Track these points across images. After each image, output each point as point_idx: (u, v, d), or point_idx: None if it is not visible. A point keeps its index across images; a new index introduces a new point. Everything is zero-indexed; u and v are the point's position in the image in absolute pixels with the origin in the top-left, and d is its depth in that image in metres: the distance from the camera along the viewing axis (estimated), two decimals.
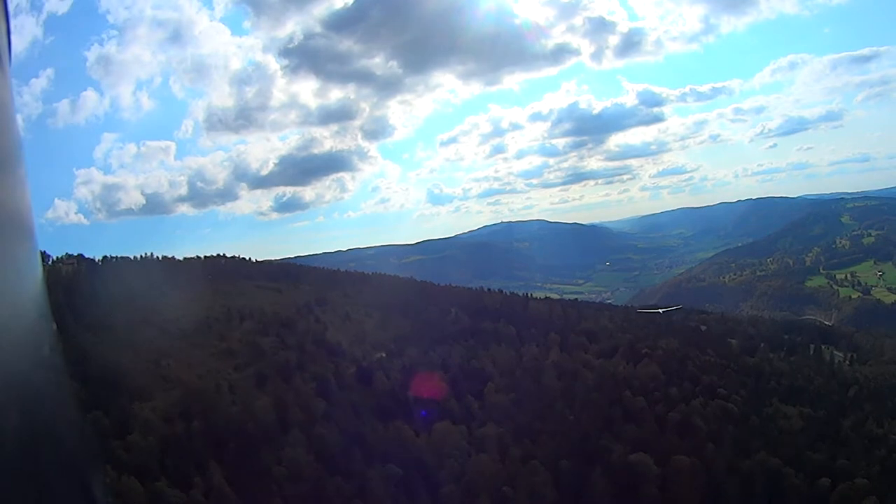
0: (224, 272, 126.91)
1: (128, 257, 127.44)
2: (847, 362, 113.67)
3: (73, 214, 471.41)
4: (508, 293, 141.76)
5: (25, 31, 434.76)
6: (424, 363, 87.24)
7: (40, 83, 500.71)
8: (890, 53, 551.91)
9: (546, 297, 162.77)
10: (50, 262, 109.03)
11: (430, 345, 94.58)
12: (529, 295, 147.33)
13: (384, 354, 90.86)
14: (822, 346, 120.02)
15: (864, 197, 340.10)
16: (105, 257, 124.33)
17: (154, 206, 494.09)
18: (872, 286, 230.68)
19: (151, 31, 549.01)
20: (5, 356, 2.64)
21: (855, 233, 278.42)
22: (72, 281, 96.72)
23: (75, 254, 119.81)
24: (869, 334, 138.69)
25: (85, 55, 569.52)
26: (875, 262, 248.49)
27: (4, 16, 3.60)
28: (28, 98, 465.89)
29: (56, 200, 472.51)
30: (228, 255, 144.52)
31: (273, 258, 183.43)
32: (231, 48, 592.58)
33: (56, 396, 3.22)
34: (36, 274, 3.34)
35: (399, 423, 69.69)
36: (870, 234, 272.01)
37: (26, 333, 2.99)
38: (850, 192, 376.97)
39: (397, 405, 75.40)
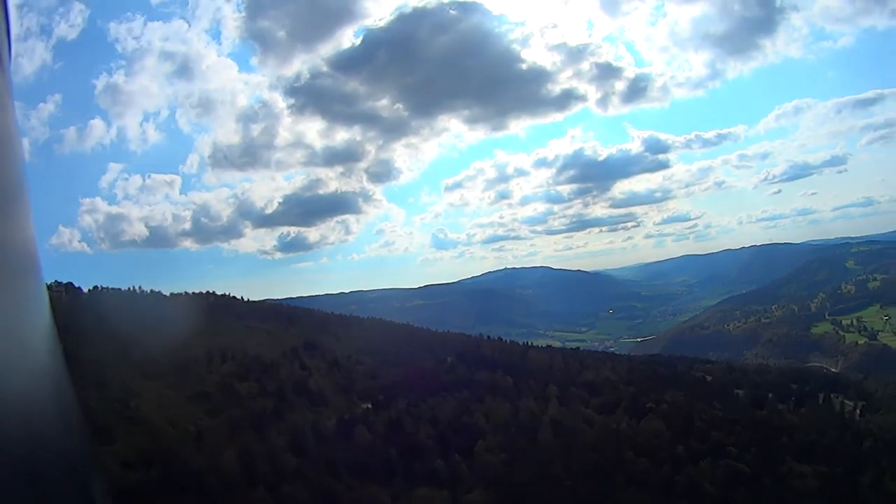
0: (213, 310, 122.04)
1: (118, 289, 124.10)
2: (858, 412, 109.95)
3: (77, 242, 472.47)
4: (508, 341, 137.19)
5: (35, 56, 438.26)
6: (412, 416, 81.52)
7: (48, 108, 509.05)
8: (894, 95, 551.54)
9: (547, 346, 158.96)
10: None
11: (421, 396, 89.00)
12: (530, 343, 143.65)
13: (370, 405, 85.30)
14: (832, 395, 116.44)
15: (869, 241, 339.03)
16: (95, 287, 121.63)
17: (157, 239, 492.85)
18: (879, 331, 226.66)
19: (159, 63, 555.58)
20: (13, 390, 2.98)
21: (860, 277, 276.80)
22: (52, 309, 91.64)
23: (65, 282, 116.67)
24: (878, 381, 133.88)
25: (93, 83, 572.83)
26: (881, 307, 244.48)
27: (4, 16, 4.14)
28: (35, 122, 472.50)
29: (60, 227, 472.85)
30: (219, 292, 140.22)
31: (275, 298, 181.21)
32: (238, 84, 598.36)
33: (56, 399, 3.68)
34: (43, 308, 3.94)
35: (374, 488, 63.88)
36: (875, 279, 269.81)
37: (33, 368, 3.38)
38: (854, 236, 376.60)
39: (378, 463, 69.34)
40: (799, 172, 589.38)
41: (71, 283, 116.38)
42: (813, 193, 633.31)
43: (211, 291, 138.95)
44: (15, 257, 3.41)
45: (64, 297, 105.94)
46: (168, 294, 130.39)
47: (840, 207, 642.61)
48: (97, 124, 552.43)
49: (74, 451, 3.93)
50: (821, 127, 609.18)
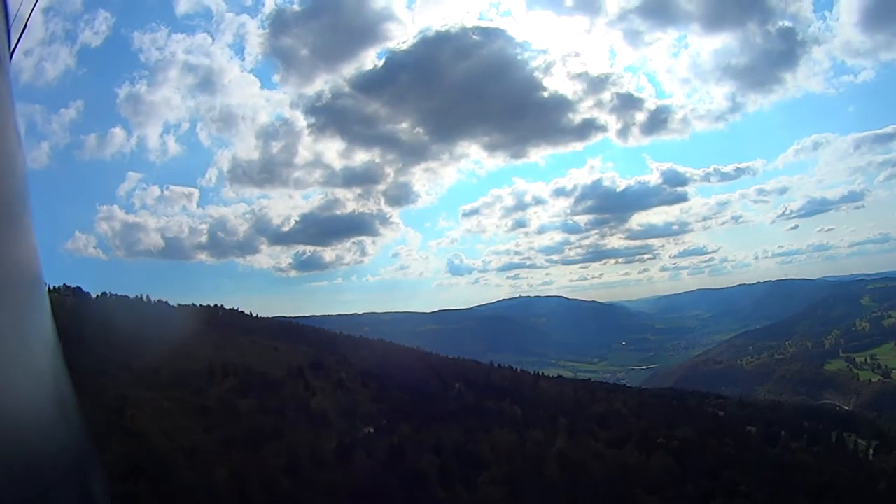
0: (219, 324, 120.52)
1: (126, 296, 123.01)
2: (871, 451, 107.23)
3: (92, 248, 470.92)
4: (519, 370, 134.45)
5: (59, 61, 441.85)
6: (415, 443, 78.84)
7: (69, 114, 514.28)
8: None
9: (559, 375, 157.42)
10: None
11: (427, 422, 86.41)
12: (541, 372, 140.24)
13: (372, 430, 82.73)
14: (845, 434, 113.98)
15: (885, 278, 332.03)
16: (103, 293, 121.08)
17: (173, 250, 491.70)
18: (893, 369, 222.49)
19: (182, 76, 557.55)
20: (15, 397, 3.11)
21: (875, 314, 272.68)
22: (56, 313, 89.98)
23: (73, 286, 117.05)
24: (892, 419, 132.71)
25: (115, 91, 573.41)
26: (895, 345, 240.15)
27: (4, 16, 4.43)
28: (56, 127, 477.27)
29: (76, 232, 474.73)
30: (228, 306, 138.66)
31: (288, 316, 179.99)
32: (259, 101, 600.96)
33: (57, 399, 3.99)
34: (46, 317, 4.51)
35: None
36: (890, 316, 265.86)
37: (36, 378, 3.59)
38: (870, 273, 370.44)
39: (376, 490, 66.66)
40: (816, 208, 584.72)
41: (79, 288, 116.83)
42: (830, 229, 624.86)
43: (219, 305, 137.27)
44: (17, 266, 3.52)
45: (69, 301, 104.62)
46: (175, 305, 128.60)
47: (856, 244, 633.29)
48: (118, 132, 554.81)
49: (76, 456, 4.11)
50: (839, 162, 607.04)
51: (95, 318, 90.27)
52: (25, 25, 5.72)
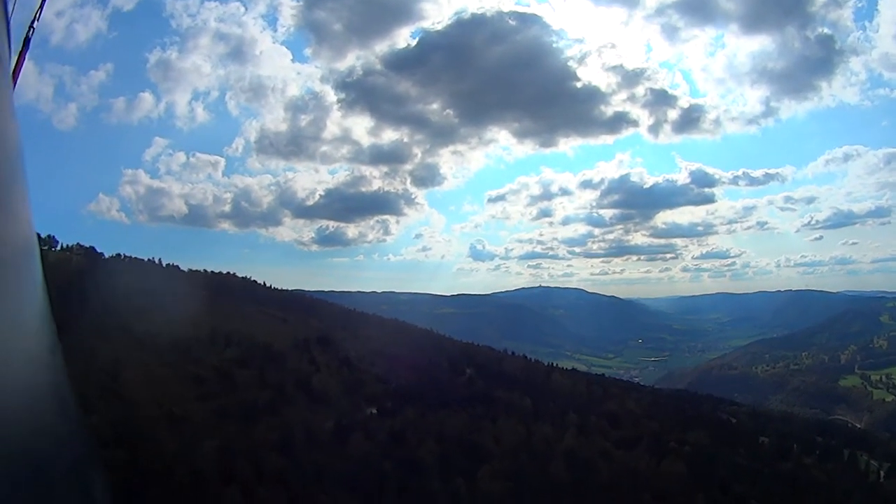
0: (229, 292, 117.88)
1: (139, 259, 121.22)
2: (882, 473, 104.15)
3: (115, 211, 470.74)
4: (533, 360, 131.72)
5: (91, 23, 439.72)
6: (417, 428, 75.77)
7: (99, 76, 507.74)
8: None
9: (573, 369, 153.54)
10: (57, 249, 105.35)
11: (432, 407, 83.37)
12: (555, 364, 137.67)
13: (374, 411, 79.83)
14: (857, 453, 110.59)
15: None
16: (117, 255, 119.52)
17: (196, 217, 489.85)
18: None
19: (213, 44, 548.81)
20: (11, 382, 3.16)
21: (893, 333, 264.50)
22: (59, 272, 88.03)
23: (88, 245, 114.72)
24: None
25: (146, 56, 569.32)
26: None
27: (5, 16, 4.51)
28: (85, 89, 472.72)
29: (100, 195, 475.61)
30: (240, 274, 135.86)
31: (306, 289, 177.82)
32: (290, 73, 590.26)
33: (56, 397, 3.93)
34: (41, 300, 4.12)
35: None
36: None
37: (31, 361, 3.57)
38: (890, 290, 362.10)
39: (370, 475, 63.56)
40: (842, 220, 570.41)
41: (93, 248, 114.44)
42: (854, 243, 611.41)
43: (232, 273, 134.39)
44: (13, 249, 3.55)
45: (76, 259, 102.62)
46: (185, 270, 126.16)
47: (879, 260, 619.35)
48: (146, 97, 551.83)
49: (74, 445, 4.09)
50: (869, 176, 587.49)
51: (100, 279, 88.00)
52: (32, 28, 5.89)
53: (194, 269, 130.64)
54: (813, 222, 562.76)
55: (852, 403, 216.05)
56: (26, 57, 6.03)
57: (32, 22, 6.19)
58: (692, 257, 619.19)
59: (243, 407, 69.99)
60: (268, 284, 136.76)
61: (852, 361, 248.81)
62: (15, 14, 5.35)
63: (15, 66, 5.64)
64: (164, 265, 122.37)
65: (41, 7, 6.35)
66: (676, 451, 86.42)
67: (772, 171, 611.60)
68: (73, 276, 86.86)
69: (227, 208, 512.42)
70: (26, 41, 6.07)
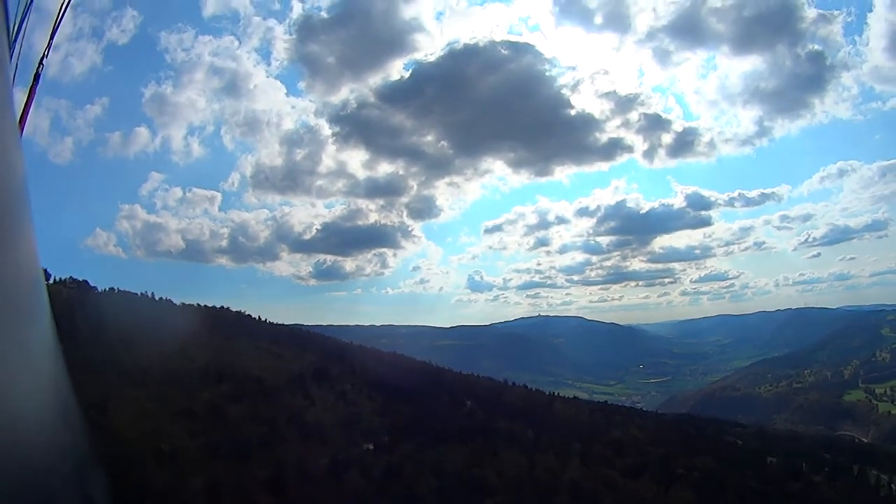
0: (223, 326, 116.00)
1: (132, 293, 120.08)
2: (895, 487, 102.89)
3: (112, 246, 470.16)
4: (534, 389, 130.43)
5: (86, 57, 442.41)
6: (416, 463, 73.45)
7: (95, 110, 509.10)
8: None
9: (574, 397, 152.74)
10: (49, 282, 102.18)
11: (431, 441, 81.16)
12: (556, 393, 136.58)
13: (371, 447, 77.52)
14: (867, 468, 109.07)
15: None
16: (110, 289, 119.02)
17: (193, 252, 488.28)
18: None
19: (208, 78, 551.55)
20: (17, 403, 3.22)
21: (895, 346, 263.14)
22: (53, 305, 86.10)
23: (81, 279, 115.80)
24: None
25: (141, 90, 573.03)
26: None
27: (4, 17, 4.52)
28: (81, 123, 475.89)
29: (97, 229, 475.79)
30: (234, 308, 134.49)
31: (305, 324, 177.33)
32: (285, 107, 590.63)
33: (64, 427, 4.23)
34: (47, 321, 4.68)
35: None
36: None
37: (38, 382, 3.69)
38: (890, 303, 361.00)
39: None
40: (839, 236, 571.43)
41: (86, 281, 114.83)
42: (851, 258, 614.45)
43: (225, 307, 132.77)
44: (17, 267, 3.63)
45: (66, 293, 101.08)
46: (178, 304, 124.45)
47: (878, 273, 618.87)
48: (142, 132, 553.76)
49: (77, 459, 4.39)
50: (864, 190, 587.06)
51: (91, 312, 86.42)
52: (24, 26, 5.75)
53: (187, 302, 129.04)
54: (810, 240, 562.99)
55: (858, 418, 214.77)
56: (36, 92, 5.97)
57: (42, 58, 6.22)
58: (690, 281, 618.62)
59: (235, 443, 67.68)
60: (263, 318, 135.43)
61: (856, 376, 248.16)
62: (22, 48, 5.31)
63: (25, 102, 5.73)
64: (156, 298, 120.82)
65: (50, 43, 6.34)
66: (684, 477, 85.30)
67: (767, 190, 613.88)
68: (64, 308, 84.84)
69: (224, 243, 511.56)
70: (36, 77, 6.07)
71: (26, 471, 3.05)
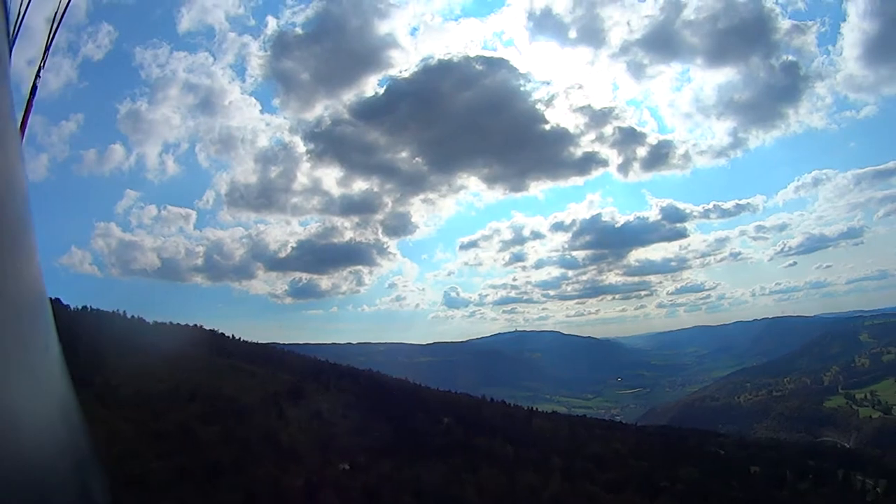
0: (196, 345, 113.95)
1: (105, 311, 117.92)
2: (878, 490, 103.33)
3: (88, 265, 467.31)
4: (512, 405, 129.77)
5: (61, 73, 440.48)
6: (394, 482, 71.77)
7: (70, 127, 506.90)
8: None
9: (553, 412, 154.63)
10: None
11: (409, 460, 79.57)
12: (535, 408, 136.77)
13: (347, 466, 75.73)
14: (851, 473, 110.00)
15: (883, 314, 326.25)
16: (84, 307, 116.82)
17: (168, 271, 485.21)
18: (893, 405, 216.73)
19: (182, 95, 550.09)
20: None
21: (874, 351, 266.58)
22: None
23: (53, 297, 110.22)
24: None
25: (116, 107, 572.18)
26: (895, 381, 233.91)
27: (5, 17, 4.46)
28: (56, 140, 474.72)
29: (73, 248, 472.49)
30: (207, 327, 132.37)
31: (281, 343, 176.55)
32: (259, 124, 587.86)
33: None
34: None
35: None
36: (889, 352, 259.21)
37: (45, 401, 3.79)
38: (867, 309, 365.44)
39: None
40: (815, 245, 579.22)
41: (58, 300, 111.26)
42: (828, 266, 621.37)
43: (198, 325, 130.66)
44: (22, 280, 3.70)
45: None
46: (151, 323, 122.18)
47: (854, 280, 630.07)
48: (117, 149, 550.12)
49: (79, 467, 4.42)
50: (839, 199, 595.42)
51: (60, 331, 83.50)
52: (20, 24, 5.66)
53: (160, 321, 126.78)
54: (786, 249, 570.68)
55: (839, 424, 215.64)
56: (34, 104, 5.88)
57: (39, 70, 6.19)
58: (667, 293, 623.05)
59: (207, 465, 65.67)
60: (237, 337, 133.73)
61: (835, 382, 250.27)
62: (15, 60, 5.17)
63: (25, 110, 5.69)
64: (128, 317, 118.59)
65: (46, 54, 6.32)
66: (668, 489, 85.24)
67: (742, 201, 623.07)
68: None
69: (199, 262, 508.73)
70: (33, 89, 6.02)
71: (26, 470, 3.05)
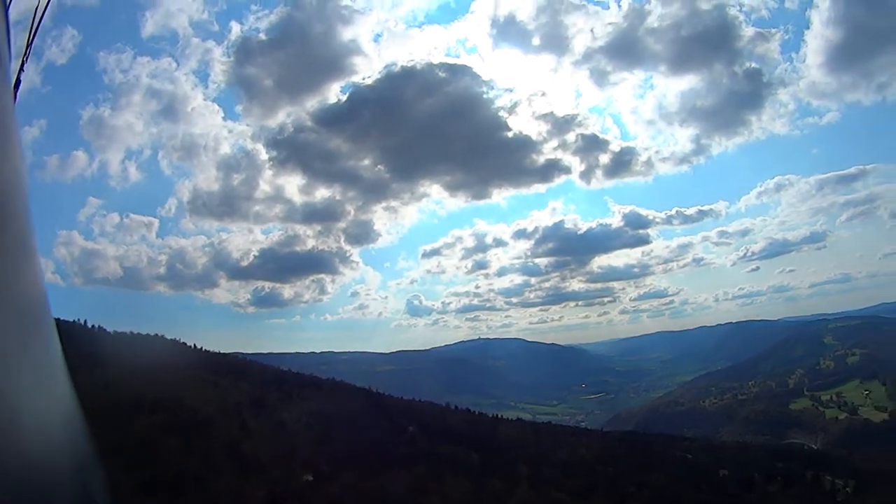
0: (157, 354, 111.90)
1: (64, 320, 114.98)
2: (849, 490, 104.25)
3: (50, 274, 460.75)
4: (477, 413, 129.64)
5: (23, 76, 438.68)
6: (358, 492, 71.04)
7: (32, 132, 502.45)
8: (877, 171, 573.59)
9: (518, 418, 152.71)
10: None
11: (373, 469, 78.78)
12: (500, 415, 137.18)
13: (311, 477, 74.90)
14: (820, 474, 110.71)
15: (847, 317, 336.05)
16: None
17: (131, 280, 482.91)
18: (859, 406, 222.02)
19: (145, 101, 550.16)
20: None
21: (838, 353, 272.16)
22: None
23: None
24: (864, 457, 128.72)
25: (79, 112, 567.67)
26: (861, 382, 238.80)
27: (5, 17, 4.47)
28: None
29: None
30: (169, 336, 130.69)
31: (244, 352, 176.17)
32: (222, 131, 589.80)
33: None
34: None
35: None
36: (854, 354, 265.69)
37: (38, 381, 3.75)
38: (830, 312, 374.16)
39: None
40: (778, 249, 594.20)
41: None
42: (791, 270, 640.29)
43: (159, 335, 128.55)
44: (24, 290, 3.71)
45: None
46: (112, 332, 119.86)
47: (817, 284, 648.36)
48: (80, 156, 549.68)
49: (77, 460, 4.48)
50: (802, 204, 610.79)
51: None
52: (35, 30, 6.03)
53: (122, 330, 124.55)
54: (749, 254, 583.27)
55: (805, 425, 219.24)
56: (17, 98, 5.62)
57: (22, 63, 6.17)
58: (630, 299, 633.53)
59: (166, 478, 64.48)
60: (198, 346, 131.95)
61: (800, 385, 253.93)
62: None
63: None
64: (89, 326, 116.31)
65: (28, 48, 6.32)
66: (636, 495, 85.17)
67: (705, 207, 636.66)
68: None
69: (161, 270, 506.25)
70: (17, 83, 5.87)
71: (27, 470, 3.05)
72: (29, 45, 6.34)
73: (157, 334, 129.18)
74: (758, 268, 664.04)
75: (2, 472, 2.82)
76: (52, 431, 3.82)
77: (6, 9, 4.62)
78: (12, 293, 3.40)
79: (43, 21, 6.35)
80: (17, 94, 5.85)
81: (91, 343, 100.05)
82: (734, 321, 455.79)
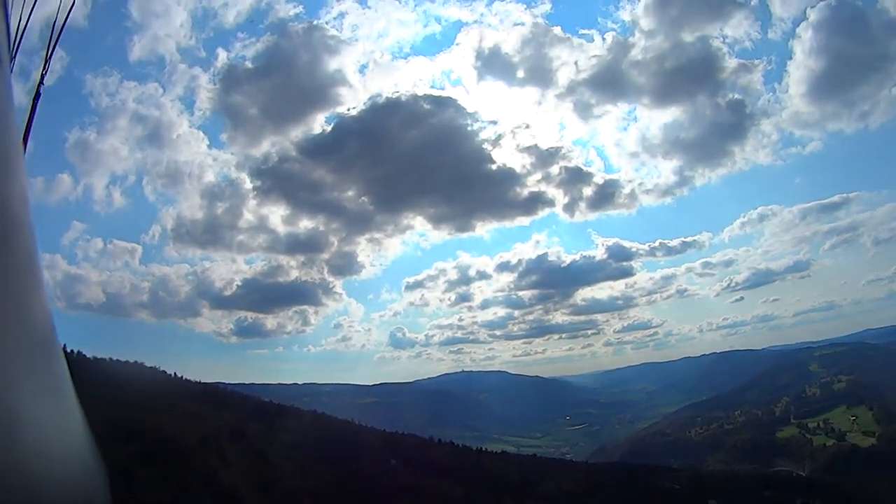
0: (136, 382, 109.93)
1: None
2: None
3: None
4: (461, 446, 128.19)
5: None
6: None
7: None
8: (860, 199, 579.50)
9: (502, 451, 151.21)
10: None
11: (355, 503, 77.42)
12: (484, 448, 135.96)
13: None
14: (810, 501, 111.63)
15: (831, 344, 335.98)
16: None
17: (113, 306, 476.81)
18: (847, 432, 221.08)
19: (131, 126, 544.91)
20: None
21: (824, 380, 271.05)
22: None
23: None
24: (854, 484, 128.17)
25: (65, 135, 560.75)
26: (847, 407, 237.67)
27: (5, 17, 4.42)
28: None
29: None
30: (149, 364, 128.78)
31: (227, 382, 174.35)
32: (206, 159, 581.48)
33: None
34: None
35: None
36: (840, 380, 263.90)
37: (39, 381, 3.64)
38: (815, 340, 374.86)
39: None
40: (762, 279, 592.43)
41: None
42: (775, 300, 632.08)
43: (139, 362, 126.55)
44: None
45: None
46: (91, 358, 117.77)
47: (801, 312, 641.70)
48: (65, 179, 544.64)
49: (79, 465, 4.34)
50: (785, 233, 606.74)
51: None
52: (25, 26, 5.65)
53: (99, 356, 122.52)
54: (733, 284, 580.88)
55: (792, 453, 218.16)
56: (37, 110, 5.93)
57: (42, 74, 6.31)
58: (614, 331, 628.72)
59: None
60: (179, 375, 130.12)
61: (787, 413, 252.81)
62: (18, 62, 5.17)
63: (27, 121, 5.79)
64: (68, 351, 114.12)
65: (49, 57, 6.37)
66: None
67: (688, 238, 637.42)
68: None
69: (144, 298, 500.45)
70: (37, 94, 6.12)
71: (30, 475, 3.01)
72: (48, 59, 6.27)
73: (136, 361, 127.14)
74: (742, 298, 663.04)
75: (15, 500, 2.74)
76: (64, 459, 3.78)
77: (6, 9, 4.54)
78: (22, 316, 3.38)
79: (51, 43, 6.24)
80: (37, 107, 5.83)
81: (69, 369, 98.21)
82: (719, 351, 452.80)
